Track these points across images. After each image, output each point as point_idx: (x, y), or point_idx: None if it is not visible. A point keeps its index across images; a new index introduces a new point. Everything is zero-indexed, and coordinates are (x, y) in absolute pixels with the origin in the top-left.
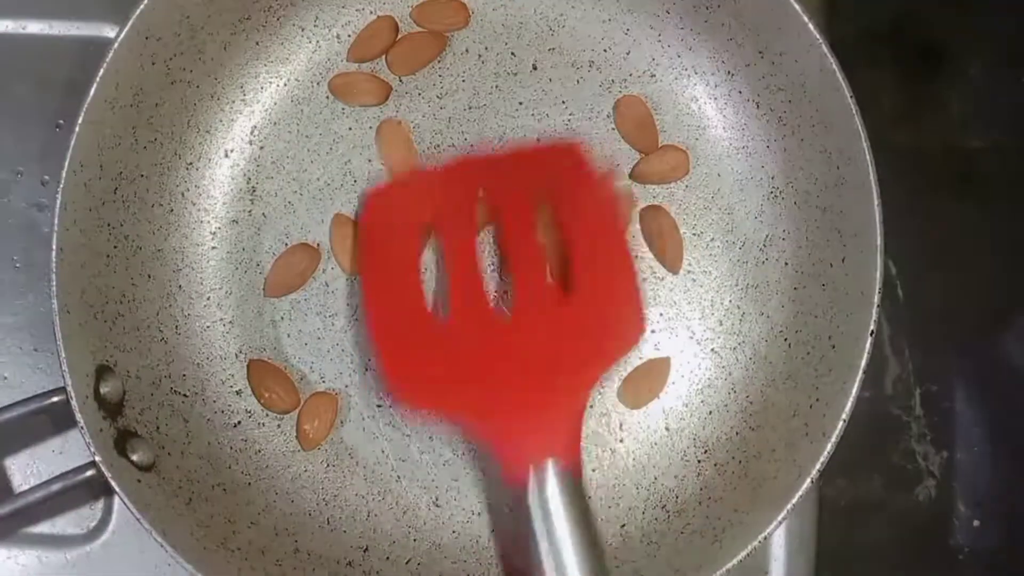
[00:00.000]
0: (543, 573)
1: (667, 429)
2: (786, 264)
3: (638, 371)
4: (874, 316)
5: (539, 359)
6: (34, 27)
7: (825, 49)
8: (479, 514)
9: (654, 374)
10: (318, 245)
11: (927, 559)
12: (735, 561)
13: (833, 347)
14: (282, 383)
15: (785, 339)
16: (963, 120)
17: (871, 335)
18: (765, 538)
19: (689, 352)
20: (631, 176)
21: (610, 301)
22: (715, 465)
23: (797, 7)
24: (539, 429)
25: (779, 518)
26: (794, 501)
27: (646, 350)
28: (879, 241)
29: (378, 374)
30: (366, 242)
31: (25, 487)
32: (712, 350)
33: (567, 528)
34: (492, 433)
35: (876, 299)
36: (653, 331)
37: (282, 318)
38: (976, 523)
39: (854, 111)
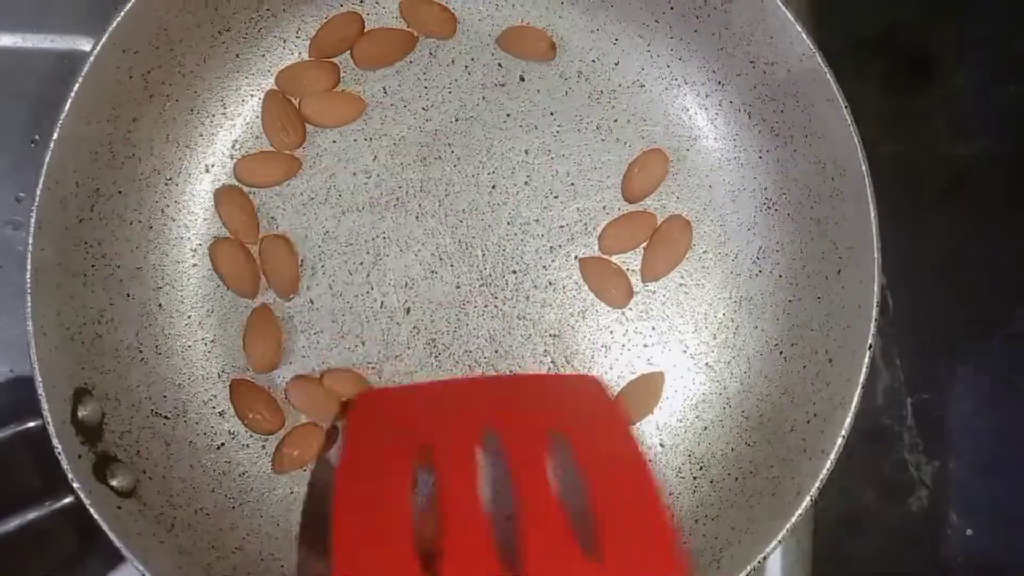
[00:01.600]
0: None
1: (661, 445)
2: (780, 276)
3: (632, 387)
4: (872, 330)
5: None
6: (6, 40)
7: (819, 59)
8: None
9: (648, 390)
10: (302, 262)
11: (921, 569)
12: None
13: (830, 361)
14: (266, 403)
15: (780, 352)
16: (952, 130)
17: (869, 349)
18: (764, 558)
19: (683, 367)
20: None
21: (642, 565)
22: (711, 482)
23: (790, 15)
24: None
25: (778, 537)
26: (793, 520)
27: (639, 365)
28: (876, 254)
29: None
30: (349, 453)
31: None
32: (706, 364)
33: None
34: None
35: (874, 313)
36: (646, 345)
37: None
38: (969, 532)
39: (849, 121)
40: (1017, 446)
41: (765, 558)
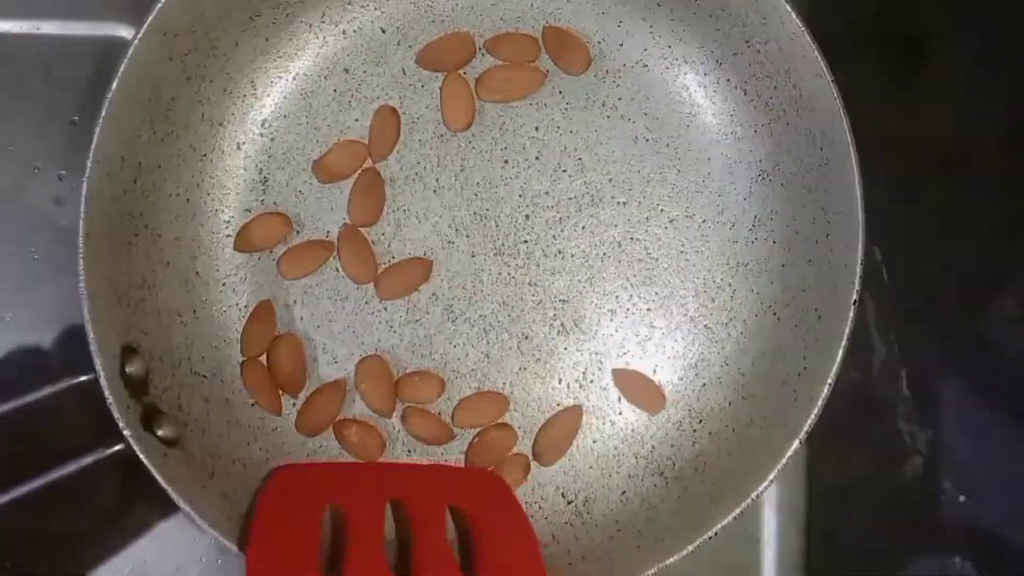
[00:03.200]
0: None
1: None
2: (774, 243)
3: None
4: (857, 287)
5: None
6: (48, 27)
7: (807, 37)
8: None
9: (646, 391)
10: (327, 235)
11: (915, 534)
12: (729, 519)
13: (819, 318)
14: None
15: (774, 313)
16: (946, 109)
17: (854, 304)
18: (757, 496)
19: (684, 328)
20: None
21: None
22: (709, 434)
23: None
24: None
25: (770, 477)
26: (783, 461)
27: (642, 329)
28: (860, 216)
29: None
30: (261, 519)
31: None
32: (705, 326)
33: None
34: None
35: (859, 270)
36: (649, 309)
37: (295, 302)
38: (962, 499)
39: (835, 94)
40: (1009, 415)
41: (758, 496)
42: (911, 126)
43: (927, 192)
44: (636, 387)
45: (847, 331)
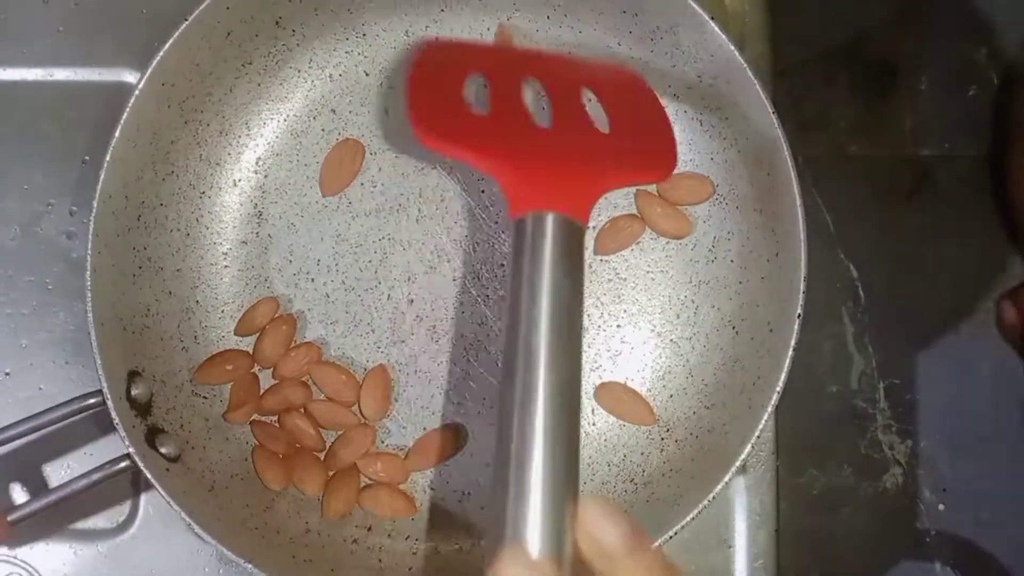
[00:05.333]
0: (518, 325)
1: None
2: (732, 261)
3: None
4: (800, 301)
5: (571, 147)
6: (61, 74)
7: (749, 72)
8: (468, 494)
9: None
10: (318, 262)
11: (896, 542)
12: (689, 519)
13: (771, 331)
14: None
15: (733, 327)
16: (916, 132)
17: (798, 317)
18: (714, 498)
19: (651, 343)
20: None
21: (646, 138)
22: (676, 441)
23: (723, 36)
24: (552, 180)
25: (725, 479)
26: (736, 464)
27: (613, 343)
28: (802, 236)
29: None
30: (416, 67)
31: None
32: (671, 340)
33: (555, 273)
34: (503, 169)
35: (802, 287)
36: (619, 326)
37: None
38: (941, 507)
39: (776, 124)
40: (983, 426)
41: (714, 498)
42: (882, 147)
43: (899, 211)
44: (624, 402)
45: (793, 342)
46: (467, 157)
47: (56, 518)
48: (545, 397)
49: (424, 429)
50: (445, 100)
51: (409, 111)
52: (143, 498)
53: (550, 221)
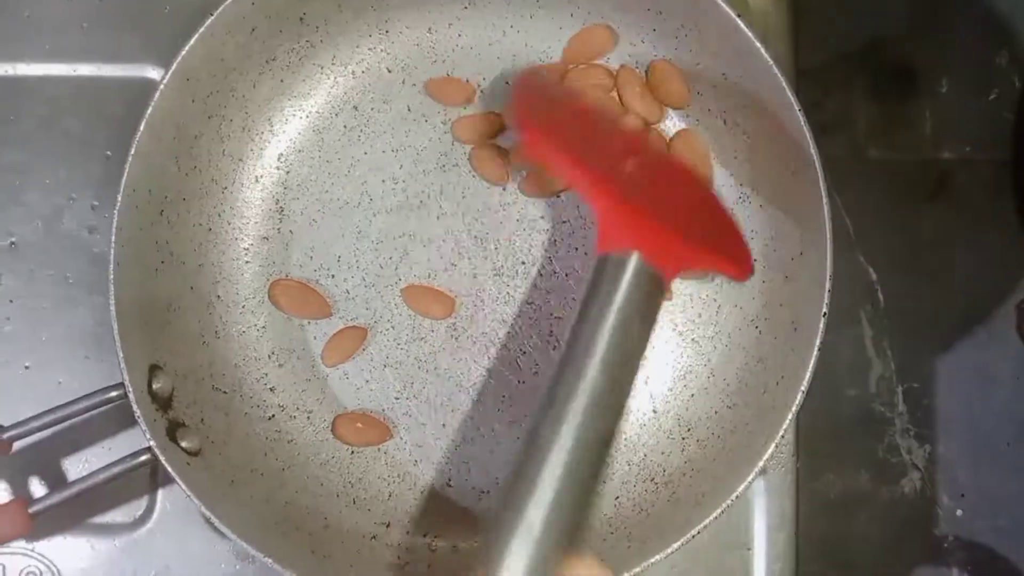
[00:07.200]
0: (579, 366)
1: (654, 411)
2: (755, 260)
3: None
4: (826, 299)
5: (679, 205)
6: (85, 70)
7: (776, 70)
8: (487, 492)
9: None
10: (339, 259)
11: (913, 548)
12: (712, 518)
13: (796, 330)
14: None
15: (756, 327)
16: (936, 135)
17: (824, 316)
18: (737, 497)
19: (672, 342)
20: None
21: (731, 235)
22: (697, 441)
23: (750, 34)
24: (655, 228)
25: (749, 479)
26: (760, 464)
27: None
28: (828, 235)
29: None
30: (519, 99)
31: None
32: (692, 339)
33: (631, 317)
34: (611, 197)
35: (828, 284)
36: None
37: (308, 322)
38: (959, 513)
39: (803, 121)
40: (1002, 431)
41: (737, 498)
42: (901, 150)
43: (919, 214)
44: None
45: (818, 341)
46: (575, 175)
47: (74, 513)
48: (572, 447)
49: (443, 426)
50: (555, 114)
51: (516, 110)
52: (160, 493)
53: (638, 265)
